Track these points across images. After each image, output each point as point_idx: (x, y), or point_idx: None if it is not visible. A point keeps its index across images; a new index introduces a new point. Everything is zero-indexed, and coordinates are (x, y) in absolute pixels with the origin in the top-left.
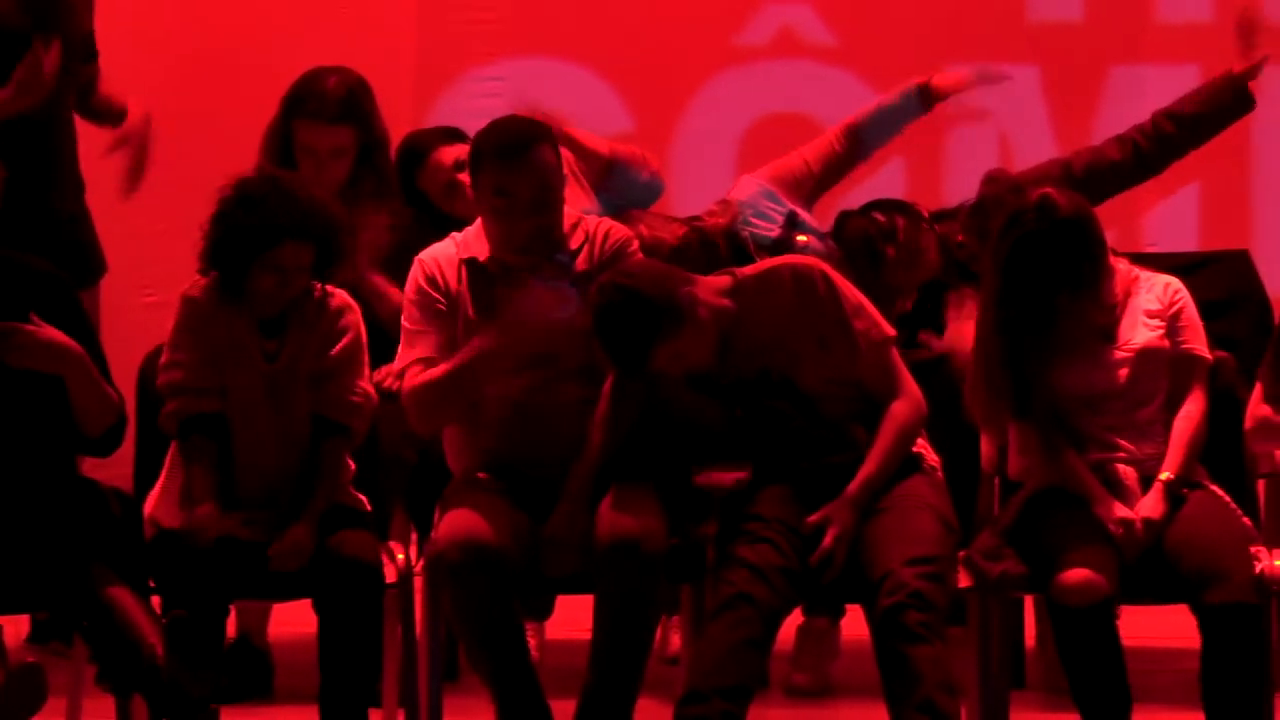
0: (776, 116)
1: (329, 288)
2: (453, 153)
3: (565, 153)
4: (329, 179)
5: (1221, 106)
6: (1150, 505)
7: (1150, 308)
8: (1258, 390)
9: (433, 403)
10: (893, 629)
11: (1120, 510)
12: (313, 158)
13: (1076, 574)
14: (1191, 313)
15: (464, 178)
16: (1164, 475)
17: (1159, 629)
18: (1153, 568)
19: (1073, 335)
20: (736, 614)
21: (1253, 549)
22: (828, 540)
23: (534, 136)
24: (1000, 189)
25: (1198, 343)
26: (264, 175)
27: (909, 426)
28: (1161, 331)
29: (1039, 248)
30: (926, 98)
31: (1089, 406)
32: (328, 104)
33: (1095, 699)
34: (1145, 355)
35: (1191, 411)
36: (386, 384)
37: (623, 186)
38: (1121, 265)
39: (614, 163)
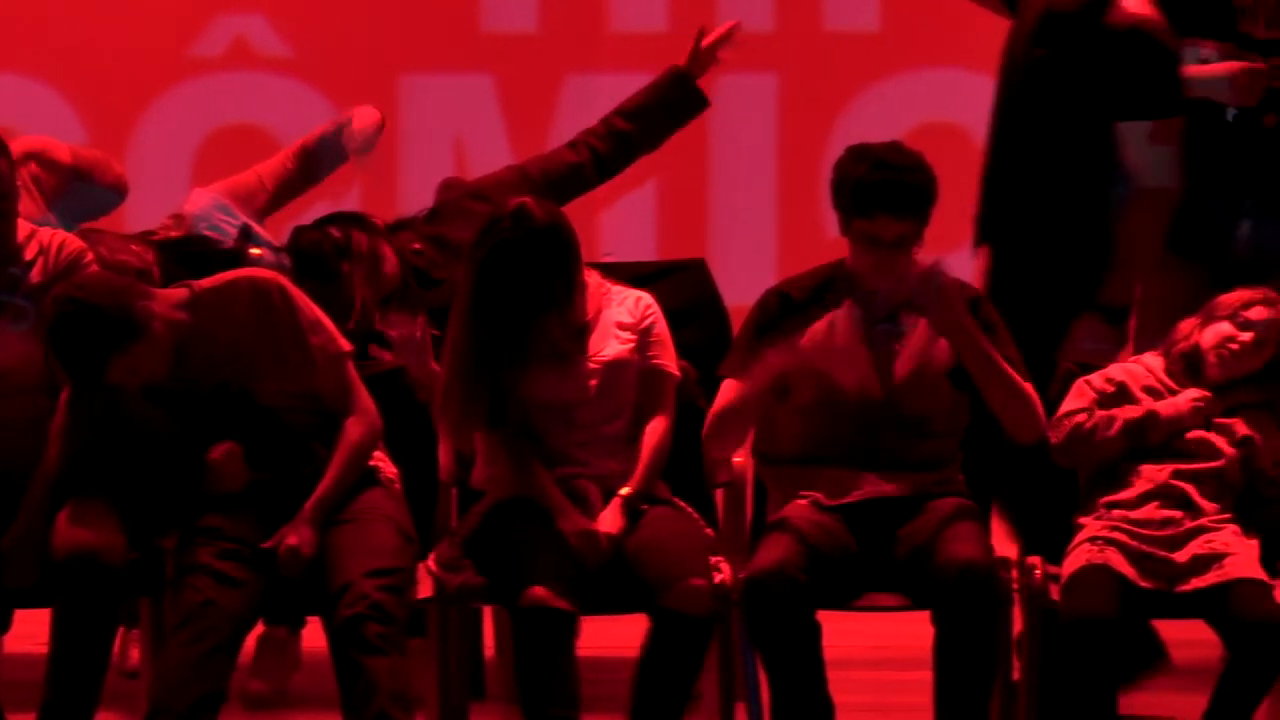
0: (231, 129)
1: None
2: None
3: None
4: None
5: (671, 101)
6: (609, 520)
7: (622, 320)
8: (724, 389)
9: None
10: (351, 640)
11: (582, 522)
12: None
13: (539, 587)
14: (662, 329)
15: None
16: (624, 491)
17: (614, 639)
18: (613, 578)
19: (545, 346)
20: (200, 623)
21: (713, 559)
22: (284, 551)
23: None
24: (456, 194)
25: (667, 359)
26: None
27: (362, 443)
28: (632, 345)
29: (514, 256)
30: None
31: (558, 418)
32: None
33: (546, 709)
34: (614, 367)
35: (656, 427)
36: None
37: (85, 193)
38: (593, 279)
39: (77, 169)
